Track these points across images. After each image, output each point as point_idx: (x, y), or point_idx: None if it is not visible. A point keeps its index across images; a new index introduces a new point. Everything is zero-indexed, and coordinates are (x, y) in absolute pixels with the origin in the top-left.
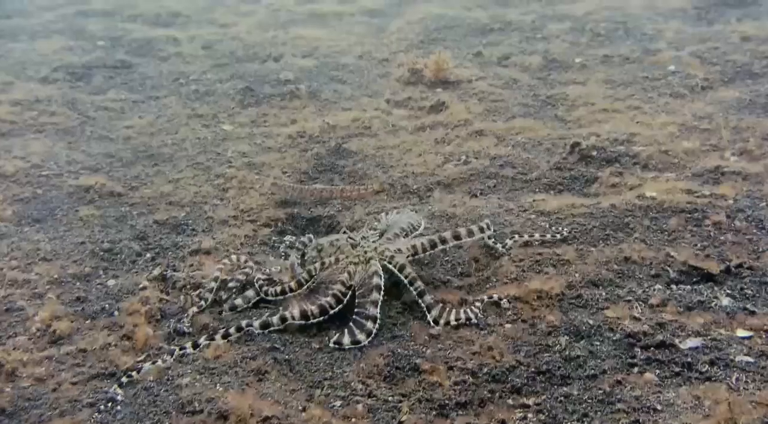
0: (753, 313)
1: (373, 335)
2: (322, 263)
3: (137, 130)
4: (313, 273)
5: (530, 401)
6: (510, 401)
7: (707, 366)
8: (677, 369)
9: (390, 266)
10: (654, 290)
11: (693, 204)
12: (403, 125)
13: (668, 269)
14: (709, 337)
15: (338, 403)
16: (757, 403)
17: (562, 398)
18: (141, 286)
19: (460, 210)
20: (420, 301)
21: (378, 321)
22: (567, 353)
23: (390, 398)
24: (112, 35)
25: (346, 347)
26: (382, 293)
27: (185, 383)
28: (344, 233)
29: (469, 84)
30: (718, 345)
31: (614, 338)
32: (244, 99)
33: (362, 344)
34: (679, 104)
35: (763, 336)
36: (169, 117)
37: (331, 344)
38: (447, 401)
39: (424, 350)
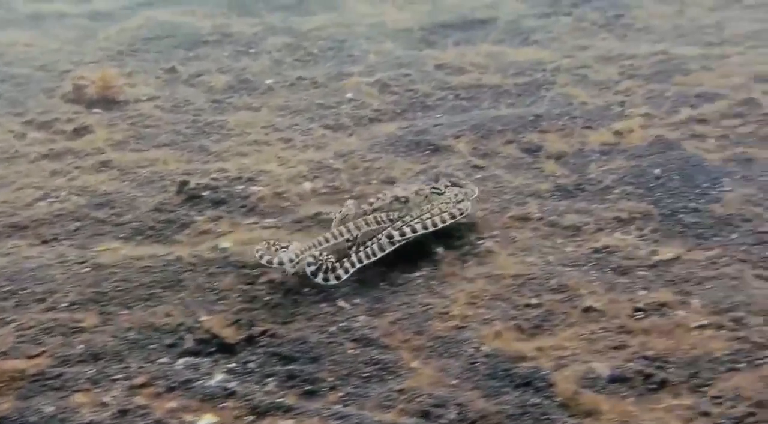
0: (233, 394)
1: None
2: (422, 211)
3: None
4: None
5: None
6: None
7: None
8: None
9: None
10: (155, 364)
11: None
12: (27, 152)
13: (188, 337)
14: None
15: None
16: None
17: None
18: None
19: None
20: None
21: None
22: None
23: None
24: None
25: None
26: (450, 222)
27: None
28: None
29: (135, 105)
30: None
31: None
32: None
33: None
34: (333, 138)
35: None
36: None
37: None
38: None
39: None
